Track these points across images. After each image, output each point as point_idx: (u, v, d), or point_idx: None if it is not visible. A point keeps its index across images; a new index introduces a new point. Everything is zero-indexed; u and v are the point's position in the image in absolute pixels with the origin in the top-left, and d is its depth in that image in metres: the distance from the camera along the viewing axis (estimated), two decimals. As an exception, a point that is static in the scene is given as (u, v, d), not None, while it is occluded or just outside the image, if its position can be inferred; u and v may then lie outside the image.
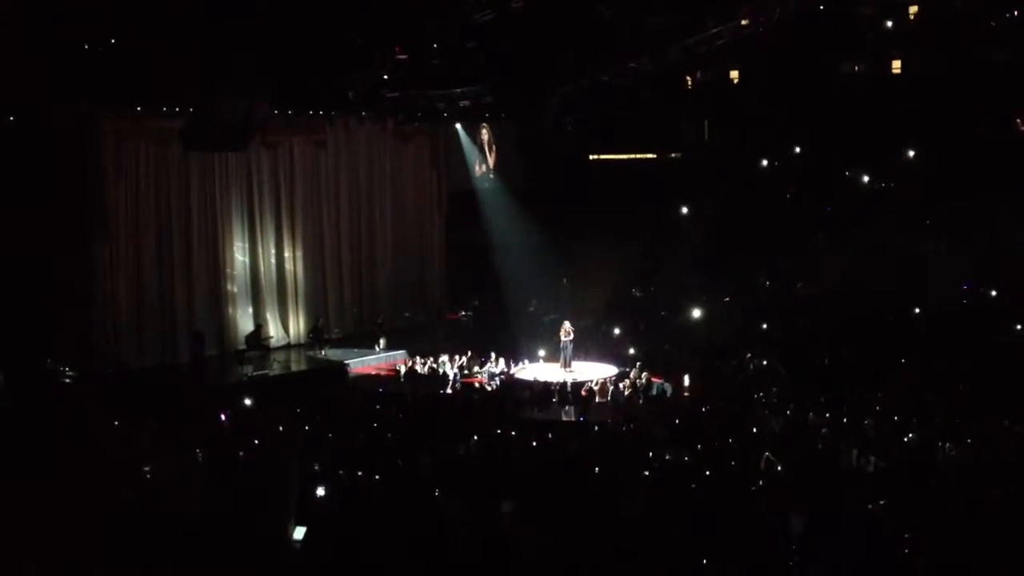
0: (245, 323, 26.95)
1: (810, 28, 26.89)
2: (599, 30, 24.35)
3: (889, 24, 28.62)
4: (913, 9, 28.27)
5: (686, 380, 23.25)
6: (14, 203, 21.08)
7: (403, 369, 25.19)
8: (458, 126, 31.41)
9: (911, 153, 29.48)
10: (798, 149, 30.97)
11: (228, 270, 26.89)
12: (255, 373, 24.44)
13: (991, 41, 27.57)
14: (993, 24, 27.72)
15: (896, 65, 29.66)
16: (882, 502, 11.90)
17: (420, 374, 24.82)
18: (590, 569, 9.11)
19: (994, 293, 25.77)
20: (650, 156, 32.97)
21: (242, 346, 26.11)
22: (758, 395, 21.28)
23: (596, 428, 19.27)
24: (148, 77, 21.44)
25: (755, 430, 17.94)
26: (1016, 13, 27.03)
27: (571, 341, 24.78)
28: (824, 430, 17.52)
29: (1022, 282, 24.75)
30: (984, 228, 26.18)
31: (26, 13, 18.71)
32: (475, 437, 16.77)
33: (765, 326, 26.59)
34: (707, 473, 13.58)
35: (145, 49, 20.61)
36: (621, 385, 22.89)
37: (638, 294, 30.36)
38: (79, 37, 20.39)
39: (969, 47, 27.55)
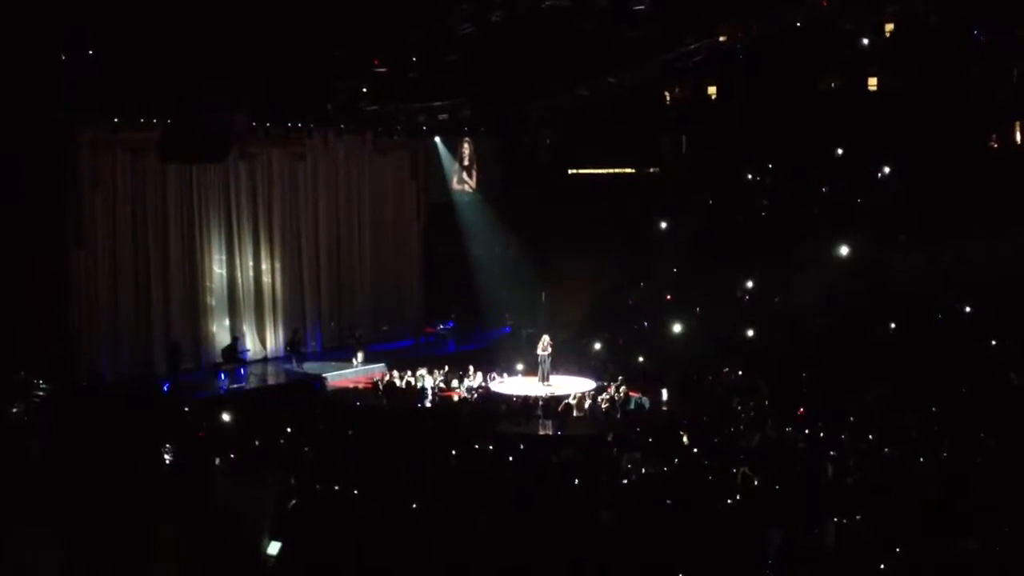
0: (222, 336, 26.77)
1: (787, 44, 27.09)
2: (578, 45, 24.43)
3: (866, 41, 28.89)
4: (889, 27, 28.54)
5: (664, 394, 23.27)
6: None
7: (381, 383, 25.07)
8: (437, 139, 31.41)
9: (887, 168, 29.71)
10: (775, 164, 31.15)
11: (206, 282, 26.72)
12: (232, 386, 24.33)
13: (966, 58, 27.87)
14: (968, 42, 28.04)
15: (872, 81, 29.93)
16: (859, 516, 11.94)
17: (398, 388, 24.71)
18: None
19: (968, 309, 25.92)
20: (629, 170, 33.07)
21: (219, 359, 25.94)
22: (736, 409, 21.31)
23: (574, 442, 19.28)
24: (126, 88, 21.35)
25: (732, 444, 17.96)
26: (989, 31, 27.37)
27: (549, 355, 24.72)
28: (801, 444, 17.57)
29: (997, 297, 24.91)
30: (960, 244, 26.35)
31: (4, 23, 18.62)
32: (453, 451, 16.74)
33: (743, 340, 26.64)
34: (684, 487, 13.60)
35: (123, 59, 20.52)
36: (599, 399, 22.87)
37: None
38: (57, 46, 20.28)
39: (944, 64, 27.83)
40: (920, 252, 27.73)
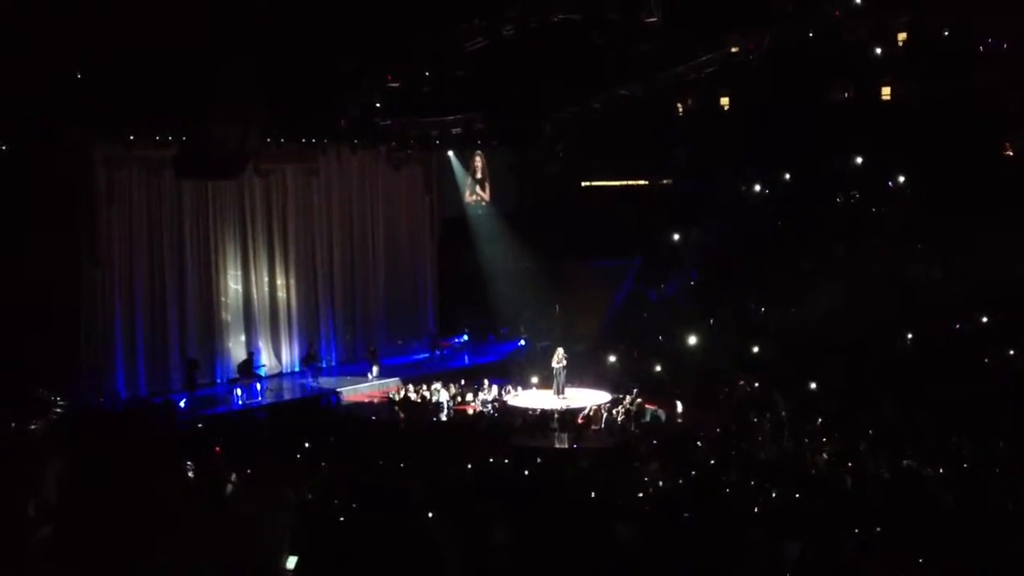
0: (238, 351, 26.86)
1: (799, 55, 27.09)
2: (590, 58, 24.49)
3: (878, 51, 28.86)
4: (902, 36, 28.50)
5: (680, 406, 23.21)
6: (5, 230, 21.06)
7: (396, 397, 25.09)
8: (450, 153, 31.49)
9: (901, 178, 29.64)
10: (788, 175, 31.12)
11: (221, 298, 26.84)
12: (248, 401, 24.40)
13: (978, 67, 27.83)
14: (980, 50, 28.02)
15: (886, 91, 29.88)
16: (878, 528, 11.88)
17: (413, 402, 24.72)
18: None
19: (985, 319, 25.79)
20: (642, 182, 33.08)
21: (235, 374, 26.03)
22: (753, 421, 21.23)
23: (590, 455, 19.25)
24: (141, 105, 21.47)
25: (749, 457, 17.90)
26: (1000, 38, 27.38)
27: (564, 368, 24.69)
28: (820, 456, 17.51)
29: (1013, 307, 24.80)
30: (975, 253, 26.26)
31: (18, 42, 18.76)
32: (468, 465, 16.72)
33: (758, 351, 26.56)
34: (701, 500, 13.54)
35: (138, 77, 20.65)
36: (615, 412, 22.82)
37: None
38: (72, 65, 20.43)
39: (957, 72, 27.79)
40: (936, 261, 27.64)
